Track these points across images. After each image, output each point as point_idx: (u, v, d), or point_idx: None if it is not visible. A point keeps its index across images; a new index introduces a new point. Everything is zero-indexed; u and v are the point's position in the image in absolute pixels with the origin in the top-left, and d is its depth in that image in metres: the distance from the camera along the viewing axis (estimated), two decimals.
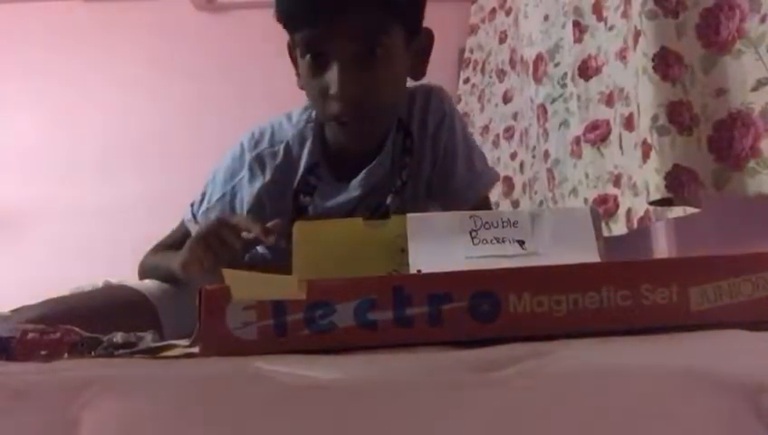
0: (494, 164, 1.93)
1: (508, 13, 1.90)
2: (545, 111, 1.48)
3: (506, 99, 1.90)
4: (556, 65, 1.45)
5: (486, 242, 0.47)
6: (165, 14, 2.46)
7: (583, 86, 1.30)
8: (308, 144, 0.89)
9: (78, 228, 2.26)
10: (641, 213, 1.12)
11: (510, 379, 0.26)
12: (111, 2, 2.47)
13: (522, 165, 1.76)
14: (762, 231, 1.02)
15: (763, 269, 0.37)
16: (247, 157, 0.90)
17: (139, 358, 0.40)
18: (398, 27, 0.79)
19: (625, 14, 1.12)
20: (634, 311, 0.36)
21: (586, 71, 1.29)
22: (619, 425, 0.24)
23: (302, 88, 0.86)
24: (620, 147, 1.17)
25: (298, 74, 0.86)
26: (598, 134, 1.26)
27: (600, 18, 1.26)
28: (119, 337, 0.44)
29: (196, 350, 0.37)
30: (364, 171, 0.88)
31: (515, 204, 1.80)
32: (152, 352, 0.42)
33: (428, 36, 0.87)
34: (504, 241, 0.47)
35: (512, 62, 1.85)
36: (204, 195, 0.93)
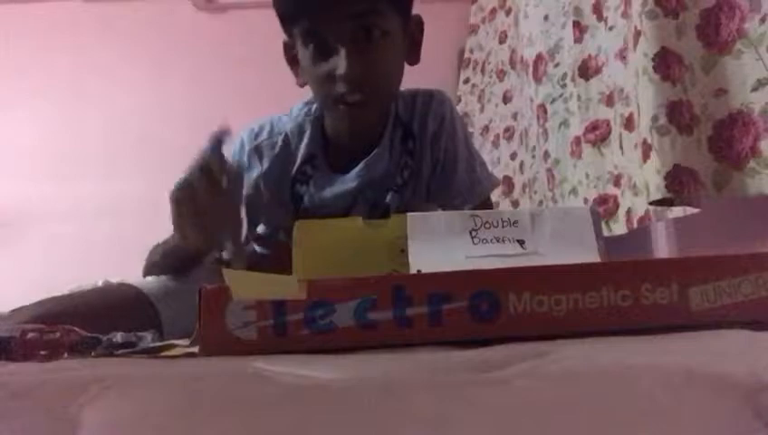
0: (494, 164, 1.93)
1: (508, 13, 1.90)
2: (545, 111, 1.48)
3: (506, 99, 1.90)
4: (556, 65, 1.45)
5: (486, 242, 0.47)
6: (165, 13, 2.46)
7: (583, 86, 1.30)
8: (306, 136, 0.92)
9: (78, 228, 2.26)
10: (641, 213, 1.12)
11: (510, 379, 0.26)
12: (111, 2, 2.47)
13: (521, 165, 1.76)
14: (762, 231, 1.02)
15: (763, 269, 0.37)
16: (247, 148, 0.93)
17: (139, 358, 0.40)
18: (392, 12, 0.82)
19: (625, 14, 1.12)
20: (634, 311, 0.36)
21: (586, 71, 1.29)
22: (619, 425, 0.23)
23: (301, 86, 0.88)
24: (620, 147, 1.17)
25: (296, 74, 0.88)
26: (598, 134, 1.26)
27: (600, 18, 1.26)
28: (118, 337, 0.44)
29: (195, 350, 0.37)
30: (362, 163, 0.90)
31: (515, 204, 1.80)
32: (152, 352, 0.42)
33: (419, 23, 0.90)
34: (504, 241, 0.47)
35: (512, 62, 1.85)
36: None
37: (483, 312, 0.36)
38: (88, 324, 0.48)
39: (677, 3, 0.93)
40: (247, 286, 0.36)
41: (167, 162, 2.45)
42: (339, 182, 0.91)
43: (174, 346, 0.43)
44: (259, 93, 2.06)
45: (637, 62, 0.97)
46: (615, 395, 0.25)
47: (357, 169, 0.90)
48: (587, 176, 1.30)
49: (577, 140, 1.33)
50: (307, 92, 0.90)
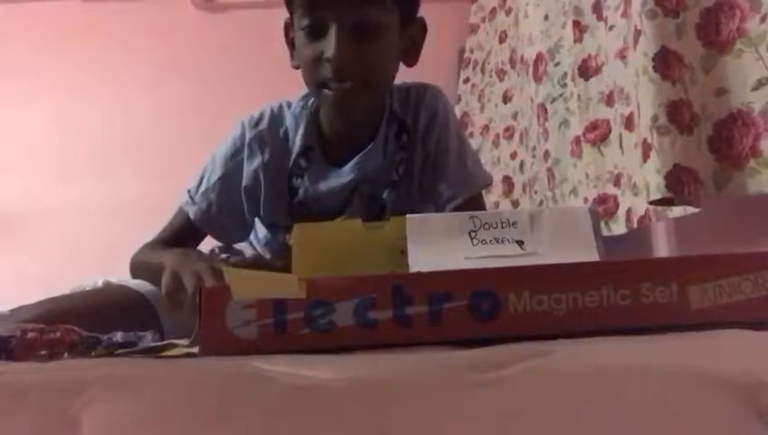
0: (494, 164, 1.93)
1: (508, 12, 1.90)
2: (545, 111, 1.48)
3: (506, 98, 1.90)
4: (556, 65, 1.45)
5: (486, 242, 0.47)
6: (164, 13, 2.46)
7: (583, 86, 1.30)
8: (302, 128, 0.92)
9: (78, 228, 2.25)
10: (641, 213, 1.12)
11: (510, 379, 0.26)
12: (110, 2, 2.47)
13: (522, 165, 1.76)
14: (762, 231, 1.02)
15: (763, 269, 0.37)
16: (248, 135, 0.93)
17: (140, 357, 0.40)
18: (393, 6, 0.82)
19: (625, 14, 1.12)
20: (634, 310, 0.36)
21: (586, 70, 1.29)
22: (619, 425, 0.23)
23: (294, 68, 0.88)
24: (620, 146, 1.17)
25: (291, 56, 0.89)
26: (598, 134, 1.26)
27: (600, 18, 1.26)
28: (119, 337, 0.44)
29: (196, 349, 0.37)
30: (357, 157, 0.89)
31: (515, 204, 1.80)
32: (152, 352, 0.42)
33: (422, 26, 0.90)
34: (503, 241, 0.47)
35: (512, 62, 1.85)
36: (201, 178, 0.95)
37: (483, 311, 0.36)
38: (88, 324, 0.48)
39: (677, 2, 0.93)
40: (247, 285, 0.36)
41: (166, 162, 2.46)
42: (333, 176, 0.91)
43: (174, 346, 0.43)
44: (259, 93, 2.05)
45: (637, 61, 0.97)
46: (615, 395, 0.25)
47: (351, 163, 0.90)
48: (587, 175, 1.30)
49: (577, 140, 1.33)
50: (304, 90, 0.90)
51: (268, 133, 0.93)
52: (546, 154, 1.48)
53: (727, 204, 1.02)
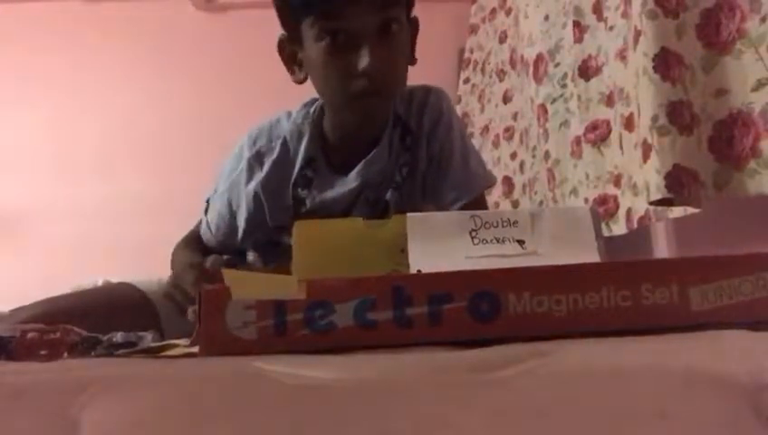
0: (495, 164, 1.93)
1: (508, 13, 1.90)
2: (545, 111, 1.48)
3: (506, 99, 1.90)
4: (556, 65, 1.45)
5: (486, 242, 0.47)
6: (164, 13, 2.46)
7: (583, 86, 1.30)
8: (305, 138, 0.91)
9: (77, 228, 2.26)
10: (641, 213, 1.12)
11: (510, 379, 0.26)
12: (111, 2, 2.47)
13: (522, 165, 1.76)
14: (762, 231, 1.02)
15: (763, 269, 0.37)
16: (246, 155, 0.93)
17: (139, 358, 0.40)
18: (402, 5, 0.82)
19: (625, 14, 1.12)
20: (634, 311, 0.36)
21: (586, 71, 1.29)
22: (619, 425, 0.23)
23: (299, 83, 0.87)
24: (621, 147, 1.17)
25: (292, 71, 0.87)
26: (598, 134, 1.26)
27: (600, 18, 1.26)
28: (118, 337, 0.44)
29: (195, 349, 0.37)
30: (362, 162, 0.89)
31: (515, 204, 1.80)
32: (152, 352, 0.42)
33: (416, 23, 0.90)
34: (504, 241, 0.47)
35: (512, 62, 1.85)
36: (215, 189, 0.98)
37: (483, 312, 0.36)
38: (88, 324, 0.48)
39: (677, 3, 0.93)
40: (247, 286, 0.36)
41: (166, 162, 2.46)
42: (340, 183, 0.90)
43: (174, 346, 0.43)
44: (259, 93, 2.06)
45: (637, 62, 0.97)
46: (615, 395, 0.25)
47: (357, 168, 0.89)
48: (587, 176, 1.30)
49: (577, 140, 1.33)
50: (306, 91, 0.90)
51: (267, 150, 0.92)
52: (546, 154, 1.48)
53: (727, 204, 1.02)
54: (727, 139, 0.88)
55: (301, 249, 0.48)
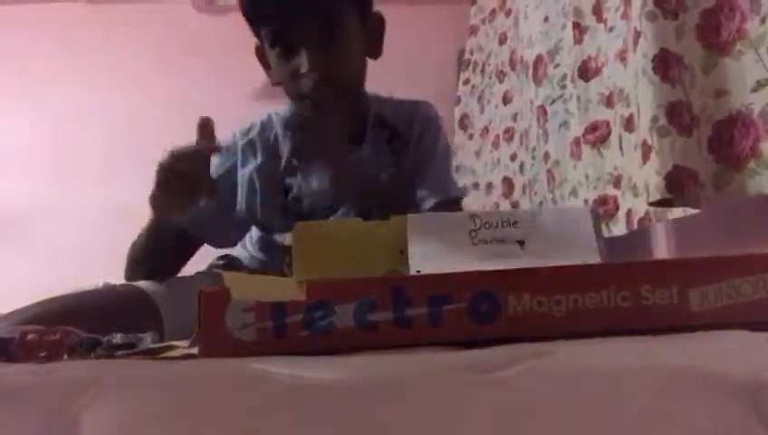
0: (494, 165, 1.93)
1: (508, 14, 1.90)
2: (545, 112, 1.48)
3: (506, 100, 1.90)
4: (556, 66, 1.45)
5: (486, 242, 0.47)
6: (165, 15, 2.46)
7: (583, 87, 1.30)
8: (289, 132, 0.97)
9: (79, 231, 2.26)
10: (641, 214, 1.12)
11: (510, 379, 0.26)
12: (112, 4, 2.47)
13: (522, 166, 1.76)
14: (762, 231, 1.02)
15: (763, 270, 0.37)
16: (240, 143, 0.98)
17: (139, 359, 0.40)
18: (350, 8, 0.88)
19: (625, 16, 1.12)
20: (634, 311, 0.36)
21: (586, 72, 1.29)
22: (619, 425, 0.23)
23: (273, 85, 0.95)
24: (620, 148, 1.17)
25: (268, 74, 0.95)
26: (598, 135, 1.26)
27: (599, 19, 1.26)
28: (118, 338, 0.44)
29: (195, 351, 0.37)
30: (347, 156, 0.95)
31: (515, 205, 1.80)
32: (152, 354, 0.42)
33: (379, 19, 0.96)
34: (503, 241, 0.47)
35: (512, 64, 1.85)
36: None
37: (482, 313, 0.36)
38: (90, 323, 0.48)
39: (677, 4, 0.93)
40: (247, 288, 0.36)
41: None
42: (322, 170, 0.95)
43: (174, 347, 0.43)
44: (258, 95, 2.06)
45: (636, 63, 0.97)
46: (615, 395, 0.25)
47: (339, 158, 0.95)
48: (587, 177, 1.30)
49: (577, 141, 1.33)
50: None
51: (259, 139, 0.98)
52: (546, 155, 1.48)
53: (727, 204, 1.02)
54: (727, 139, 0.88)
55: (301, 250, 0.48)
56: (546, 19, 1.50)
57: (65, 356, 0.42)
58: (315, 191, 0.95)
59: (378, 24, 0.96)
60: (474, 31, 2.24)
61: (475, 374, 0.27)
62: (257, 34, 0.92)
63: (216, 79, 2.35)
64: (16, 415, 0.26)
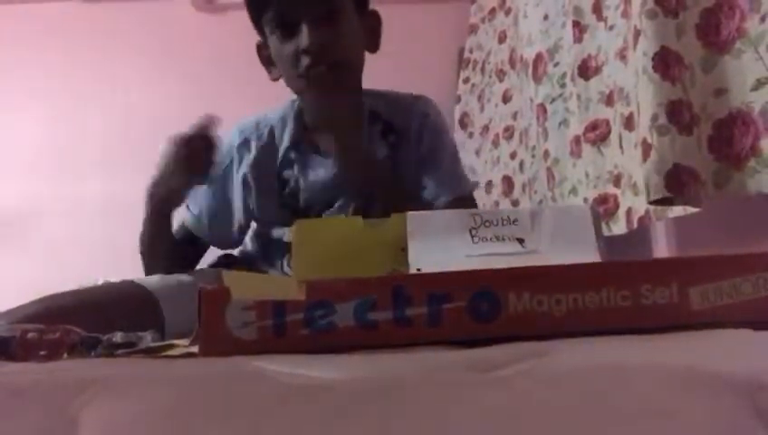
0: (494, 164, 1.93)
1: (508, 12, 1.90)
2: (545, 111, 1.48)
3: (506, 98, 1.90)
4: (556, 65, 1.45)
5: (486, 240, 0.47)
6: (164, 14, 2.45)
7: (583, 86, 1.30)
8: (289, 124, 0.97)
9: (78, 228, 2.25)
10: (641, 213, 1.12)
11: (510, 379, 0.26)
12: (110, 2, 2.47)
13: (521, 164, 1.76)
14: (762, 231, 1.02)
15: (763, 269, 0.37)
16: (236, 144, 0.99)
17: (139, 358, 0.40)
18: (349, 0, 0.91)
19: (625, 14, 1.12)
20: (634, 311, 0.36)
21: (586, 70, 1.29)
22: (618, 425, 0.23)
23: (274, 80, 0.96)
24: (620, 146, 1.17)
25: (269, 71, 0.96)
26: (598, 134, 1.26)
27: (599, 18, 1.26)
28: (118, 337, 0.44)
29: (195, 350, 0.37)
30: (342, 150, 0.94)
31: (515, 203, 1.80)
32: (152, 352, 0.42)
33: (376, 16, 0.98)
34: (503, 239, 0.47)
35: (511, 62, 1.85)
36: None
37: (482, 312, 0.36)
38: (90, 321, 0.48)
39: (677, 2, 0.93)
40: (247, 287, 0.36)
41: None
42: (321, 165, 0.95)
43: (174, 346, 0.43)
44: (258, 94, 2.06)
45: (636, 61, 0.97)
46: (615, 395, 0.25)
47: (336, 156, 0.94)
48: (587, 175, 1.30)
49: (577, 140, 1.33)
50: None
51: (254, 136, 0.99)
52: (546, 154, 1.48)
53: (727, 204, 1.02)
54: (727, 138, 0.88)
55: (300, 249, 0.48)
56: (546, 17, 1.49)
57: (65, 355, 0.42)
58: (311, 187, 0.94)
59: (375, 21, 0.97)
60: (473, 29, 2.24)
61: (475, 373, 0.27)
62: (258, 28, 0.93)
63: (215, 77, 2.35)
64: (16, 414, 0.26)
